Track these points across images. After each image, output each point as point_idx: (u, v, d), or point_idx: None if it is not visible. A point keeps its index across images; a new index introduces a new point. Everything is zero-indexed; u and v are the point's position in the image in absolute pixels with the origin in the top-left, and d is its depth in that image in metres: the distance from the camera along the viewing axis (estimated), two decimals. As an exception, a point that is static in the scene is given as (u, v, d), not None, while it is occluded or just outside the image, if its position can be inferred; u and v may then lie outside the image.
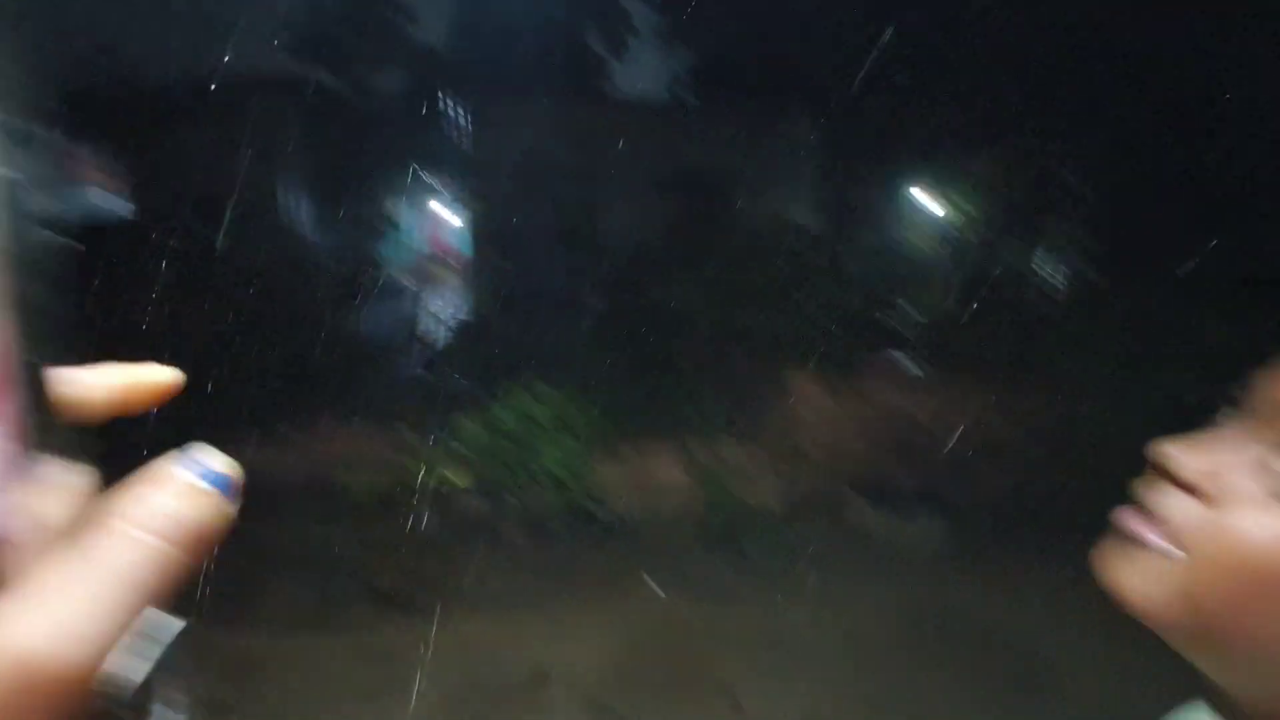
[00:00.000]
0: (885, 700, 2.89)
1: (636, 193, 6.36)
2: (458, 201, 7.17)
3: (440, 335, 6.11)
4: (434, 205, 7.43)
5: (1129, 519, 0.42)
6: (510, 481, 4.32)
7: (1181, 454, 0.40)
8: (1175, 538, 0.39)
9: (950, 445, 4.34)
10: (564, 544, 4.14)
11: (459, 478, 4.43)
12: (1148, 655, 0.58)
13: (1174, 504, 0.40)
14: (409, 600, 3.44)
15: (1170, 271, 4.24)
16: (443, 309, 6.49)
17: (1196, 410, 0.45)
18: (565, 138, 6.22)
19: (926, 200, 7.20)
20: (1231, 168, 4.37)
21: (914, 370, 4.64)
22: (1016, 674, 3.00)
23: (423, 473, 4.28)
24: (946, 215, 6.59)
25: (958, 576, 3.80)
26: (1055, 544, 4.06)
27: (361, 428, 4.81)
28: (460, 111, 6.14)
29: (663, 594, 3.65)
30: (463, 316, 6.47)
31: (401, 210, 6.72)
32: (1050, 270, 5.13)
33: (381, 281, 5.91)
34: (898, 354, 4.80)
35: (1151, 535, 0.40)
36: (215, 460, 0.18)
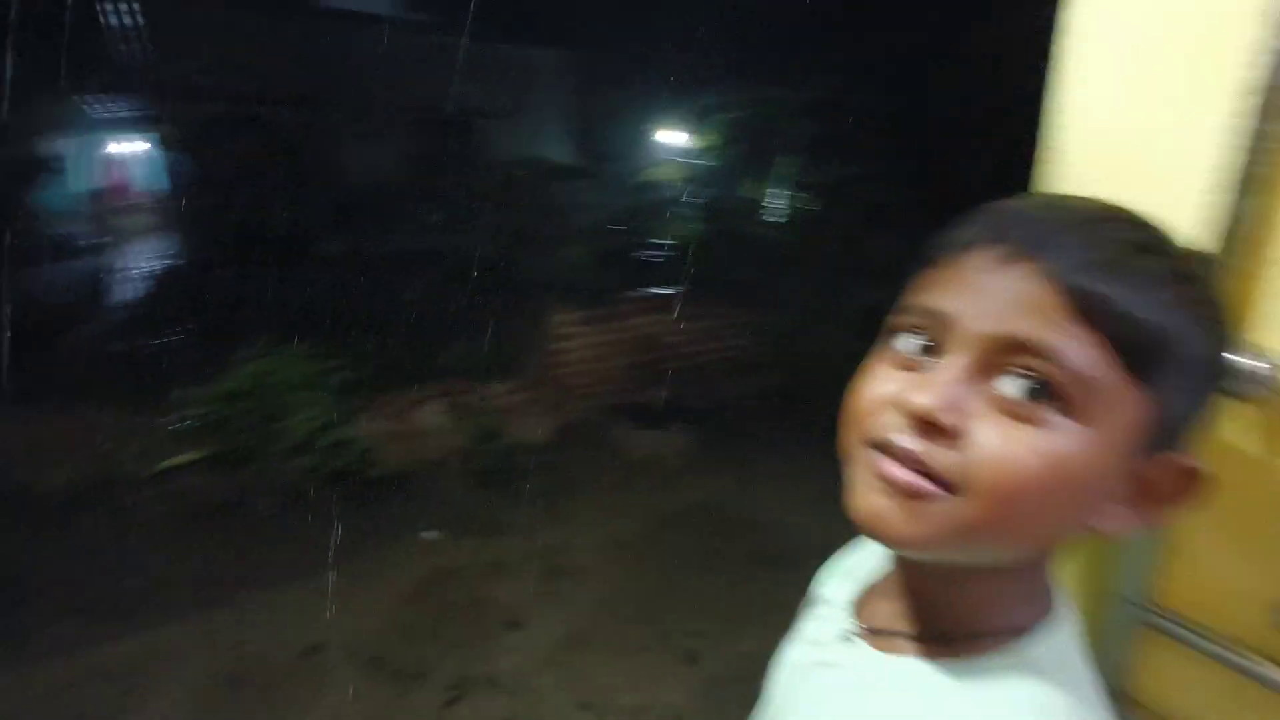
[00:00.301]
0: (651, 595, 3.24)
1: (371, 123, 5.83)
2: (143, 132, 5.95)
3: (137, 293, 5.15)
4: (112, 137, 6.09)
5: (891, 469, 0.41)
6: (252, 452, 3.91)
7: (922, 399, 0.40)
8: (938, 478, 0.40)
9: (694, 359, 4.83)
10: (326, 509, 3.89)
11: (186, 455, 3.90)
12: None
13: (928, 449, 0.40)
14: (138, 605, 3.01)
15: (873, 201, 5.04)
16: (137, 262, 5.46)
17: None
18: (280, 55, 5.43)
19: (671, 137, 7.64)
20: (931, 112, 5.24)
21: (662, 295, 5.00)
22: (759, 553, 3.54)
23: (138, 455, 3.69)
24: (689, 151, 7.07)
25: (705, 476, 4.33)
26: (784, 439, 4.82)
27: (46, 414, 3.97)
28: (137, 18, 5.02)
29: (437, 537, 3.64)
30: (166, 269, 5.51)
31: (62, 146, 5.39)
32: (776, 200, 5.78)
33: (44, 236, 4.77)
34: (647, 282, 5.13)
35: (919, 480, 0.40)
36: None
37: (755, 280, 5.11)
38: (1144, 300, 0.37)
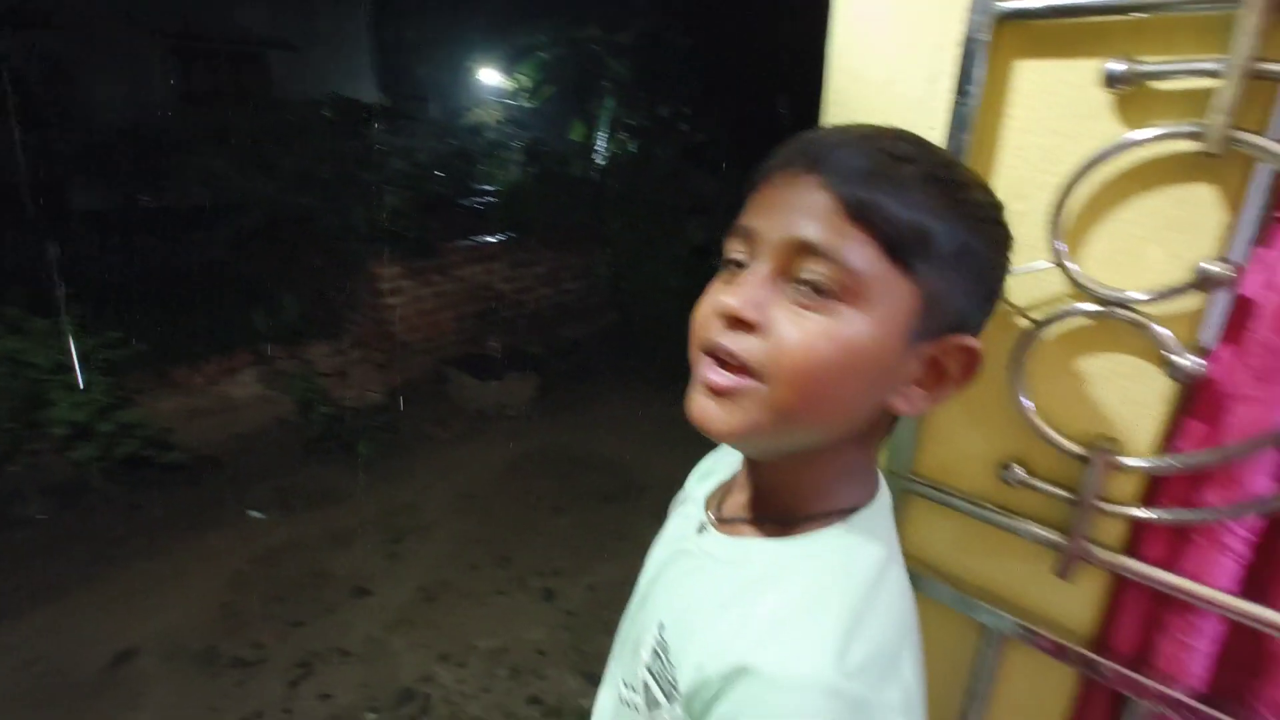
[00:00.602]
0: (502, 541, 3.26)
1: (136, 54, 4.93)
2: None
3: None
4: None
5: (708, 369, 0.47)
6: (11, 449, 3.32)
7: (729, 299, 0.46)
8: (750, 371, 0.45)
9: (528, 305, 4.79)
10: (120, 502, 3.43)
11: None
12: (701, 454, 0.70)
13: (738, 342, 0.45)
14: None
15: (692, 140, 5.19)
16: None
17: (713, 252, 0.54)
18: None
19: (487, 77, 7.25)
20: (744, 50, 5.37)
21: (489, 242, 4.85)
22: (606, 490, 3.68)
23: None
24: (507, 92, 6.78)
25: (547, 422, 4.37)
26: (623, 378, 4.98)
27: None
28: None
29: (264, 516, 3.37)
30: None
31: None
32: (598, 141, 5.76)
33: None
34: (474, 230, 4.94)
35: (731, 378, 0.46)
36: None
37: (583, 223, 5.12)
38: (903, 202, 0.43)
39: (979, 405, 0.69)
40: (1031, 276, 0.61)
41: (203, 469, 3.69)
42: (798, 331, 0.44)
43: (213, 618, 2.76)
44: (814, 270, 0.44)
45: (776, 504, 0.53)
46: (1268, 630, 0.55)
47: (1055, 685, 0.70)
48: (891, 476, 0.74)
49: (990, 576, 0.71)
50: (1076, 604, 0.66)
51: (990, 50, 0.58)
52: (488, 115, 6.26)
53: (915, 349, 0.46)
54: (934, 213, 0.44)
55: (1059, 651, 0.66)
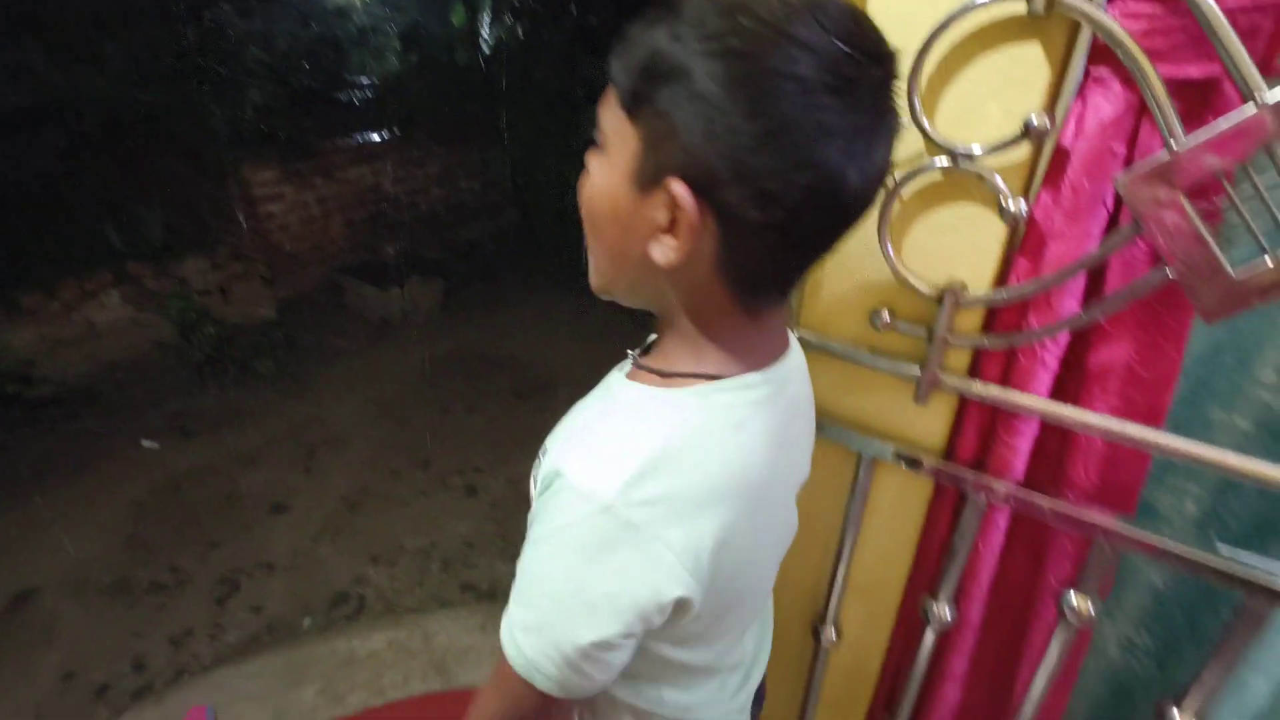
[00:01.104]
0: (420, 445, 3.28)
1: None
2: None
3: None
4: None
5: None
6: None
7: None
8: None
9: (422, 207, 4.57)
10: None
11: None
12: (614, 347, 0.70)
13: None
14: None
15: (581, 24, 4.88)
16: None
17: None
18: None
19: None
20: None
21: (373, 140, 4.52)
22: (520, 387, 3.72)
23: None
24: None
25: (455, 325, 4.31)
26: (528, 276, 4.92)
27: None
28: None
29: (158, 445, 3.21)
30: None
31: None
32: (483, 26, 5.34)
33: None
34: (355, 126, 4.57)
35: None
36: None
37: (474, 116, 4.83)
38: (628, 54, 0.46)
39: (852, 261, 0.77)
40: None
41: (78, 402, 3.42)
42: (582, 185, 0.53)
43: (118, 550, 2.68)
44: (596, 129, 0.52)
45: (658, 358, 0.57)
46: (1071, 426, 0.69)
47: (914, 495, 0.84)
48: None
49: (863, 410, 0.83)
50: (931, 425, 0.79)
51: (858, -87, 0.61)
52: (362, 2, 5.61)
53: (648, 195, 0.47)
54: (652, 58, 0.44)
55: (916, 465, 0.79)
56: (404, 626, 2.35)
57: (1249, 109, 0.50)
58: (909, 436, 0.81)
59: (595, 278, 0.56)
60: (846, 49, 0.42)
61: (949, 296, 0.69)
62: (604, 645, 0.49)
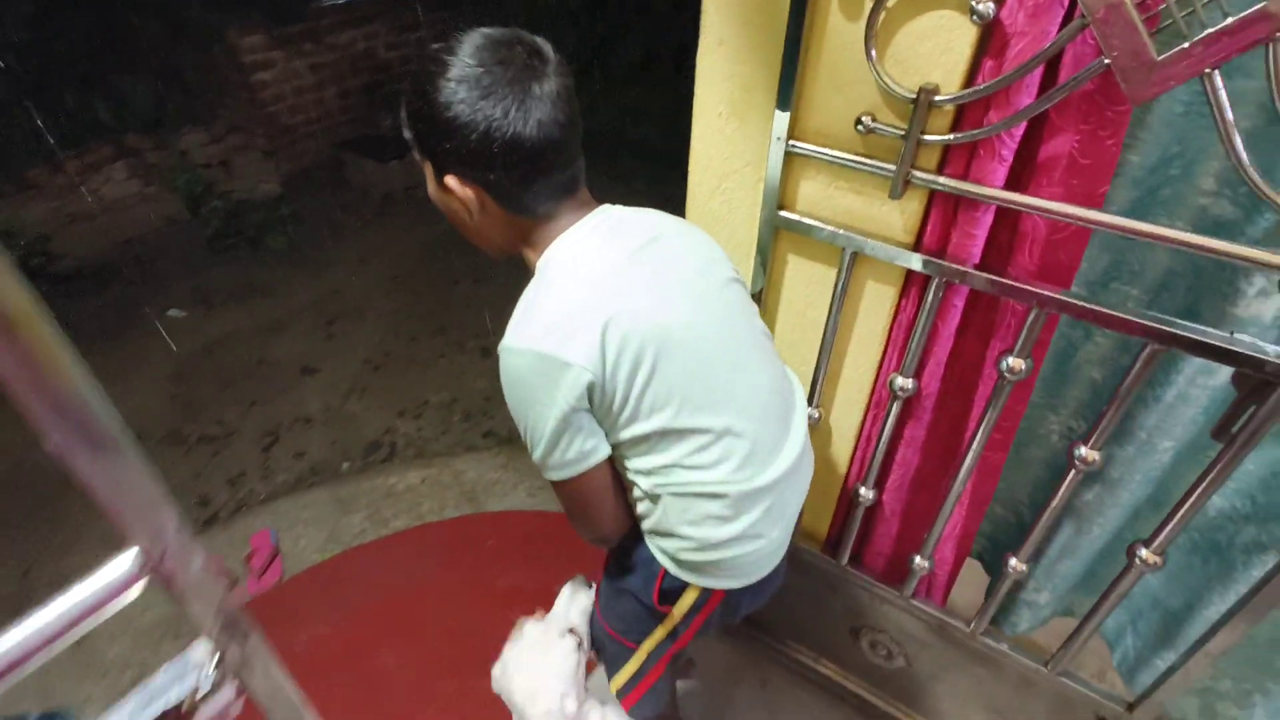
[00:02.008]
0: (435, 313, 3.44)
1: None
2: None
3: None
4: None
5: None
6: None
7: None
8: None
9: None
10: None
11: None
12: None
13: None
14: None
15: None
16: None
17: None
18: None
19: None
20: None
21: (366, 2, 4.33)
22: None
23: None
24: None
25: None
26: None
27: None
28: None
29: (186, 314, 3.37)
30: None
31: None
32: None
33: None
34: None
35: None
36: None
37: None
38: (402, 114, 0.77)
39: (842, 74, 0.87)
40: (882, -52, 0.76)
41: (100, 276, 3.54)
42: None
43: (165, 408, 2.90)
44: None
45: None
46: (1019, 208, 0.82)
47: (887, 286, 0.99)
48: (776, 141, 0.93)
49: (848, 210, 0.95)
50: (904, 219, 0.92)
51: None
52: None
53: (448, 192, 0.78)
54: (407, 114, 0.76)
55: (890, 254, 0.93)
56: (435, 466, 2.60)
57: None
58: (884, 232, 0.94)
59: (479, 248, 0.87)
60: (477, 66, 0.70)
61: (923, 97, 0.80)
62: (558, 420, 0.75)
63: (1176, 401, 1.07)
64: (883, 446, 1.10)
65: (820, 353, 1.08)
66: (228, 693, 0.43)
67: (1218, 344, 0.76)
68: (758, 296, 1.09)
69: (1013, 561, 1.11)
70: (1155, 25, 0.69)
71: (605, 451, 0.80)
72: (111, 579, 0.37)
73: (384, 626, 1.95)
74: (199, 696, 0.42)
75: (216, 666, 0.43)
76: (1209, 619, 1.00)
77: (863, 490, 1.19)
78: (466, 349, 3.24)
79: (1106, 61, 0.68)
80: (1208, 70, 0.63)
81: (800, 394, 0.96)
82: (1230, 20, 0.61)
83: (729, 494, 0.81)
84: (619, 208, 0.86)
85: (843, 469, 1.22)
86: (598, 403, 0.76)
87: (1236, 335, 0.77)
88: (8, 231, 3.25)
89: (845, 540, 1.28)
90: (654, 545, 0.89)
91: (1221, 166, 0.96)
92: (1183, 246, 0.75)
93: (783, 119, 0.91)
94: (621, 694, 1.04)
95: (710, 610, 0.92)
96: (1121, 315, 0.80)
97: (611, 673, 1.06)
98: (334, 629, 1.95)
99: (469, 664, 1.71)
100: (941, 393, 1.03)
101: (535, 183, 0.76)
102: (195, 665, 0.43)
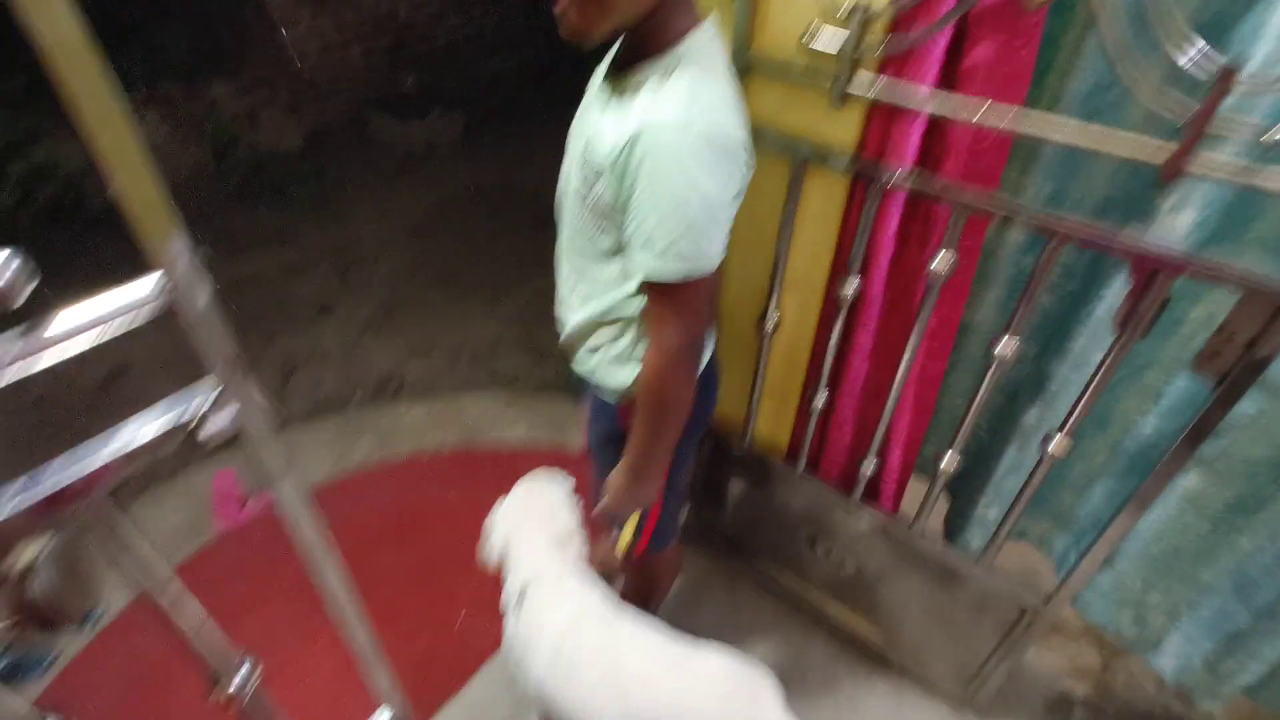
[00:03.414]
0: (448, 264, 3.56)
1: None
2: None
3: None
4: None
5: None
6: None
7: None
8: None
9: (440, 39, 4.56)
10: (59, 249, 3.50)
11: None
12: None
13: None
14: None
15: None
16: None
17: None
18: None
19: None
20: None
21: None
22: (539, 216, 3.88)
23: None
24: None
25: (479, 159, 4.45)
26: (550, 112, 4.95)
27: None
28: None
29: (212, 251, 3.52)
30: None
31: None
32: None
33: None
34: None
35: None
36: None
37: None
38: None
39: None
40: None
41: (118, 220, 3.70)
42: None
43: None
44: None
45: (638, 51, 0.81)
46: (946, 113, 0.91)
47: (834, 190, 1.09)
48: (738, 55, 1.03)
49: (799, 122, 1.05)
50: (845, 130, 1.01)
51: None
52: None
53: None
54: None
55: (834, 162, 1.02)
56: (440, 401, 2.75)
57: None
58: (829, 142, 1.04)
59: (588, 27, 0.76)
60: None
61: (858, 13, 0.89)
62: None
63: (1105, 315, 1.16)
64: (832, 350, 1.21)
65: (776, 259, 1.18)
66: (228, 413, 0.55)
67: (1104, 237, 0.86)
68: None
69: (946, 457, 1.21)
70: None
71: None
72: (134, 297, 0.49)
73: (379, 536, 2.10)
74: (204, 413, 0.54)
75: (219, 396, 0.55)
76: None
77: (816, 396, 1.29)
78: (477, 296, 3.36)
79: (1009, -30, 0.77)
80: (1086, -26, 0.72)
81: None
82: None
83: None
84: None
85: (799, 377, 1.32)
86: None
87: (1126, 230, 0.86)
88: (47, 164, 3.42)
89: (803, 448, 1.39)
90: (609, 380, 0.99)
91: (1152, 92, 1.04)
92: (1074, 143, 0.84)
93: (741, 34, 1.01)
94: (633, 543, 1.13)
95: None
96: (1028, 213, 0.90)
97: (619, 526, 1.14)
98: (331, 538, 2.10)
99: (456, 566, 1.86)
100: (886, 300, 1.13)
101: None
102: (202, 391, 0.55)
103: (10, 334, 0.44)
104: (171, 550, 2.12)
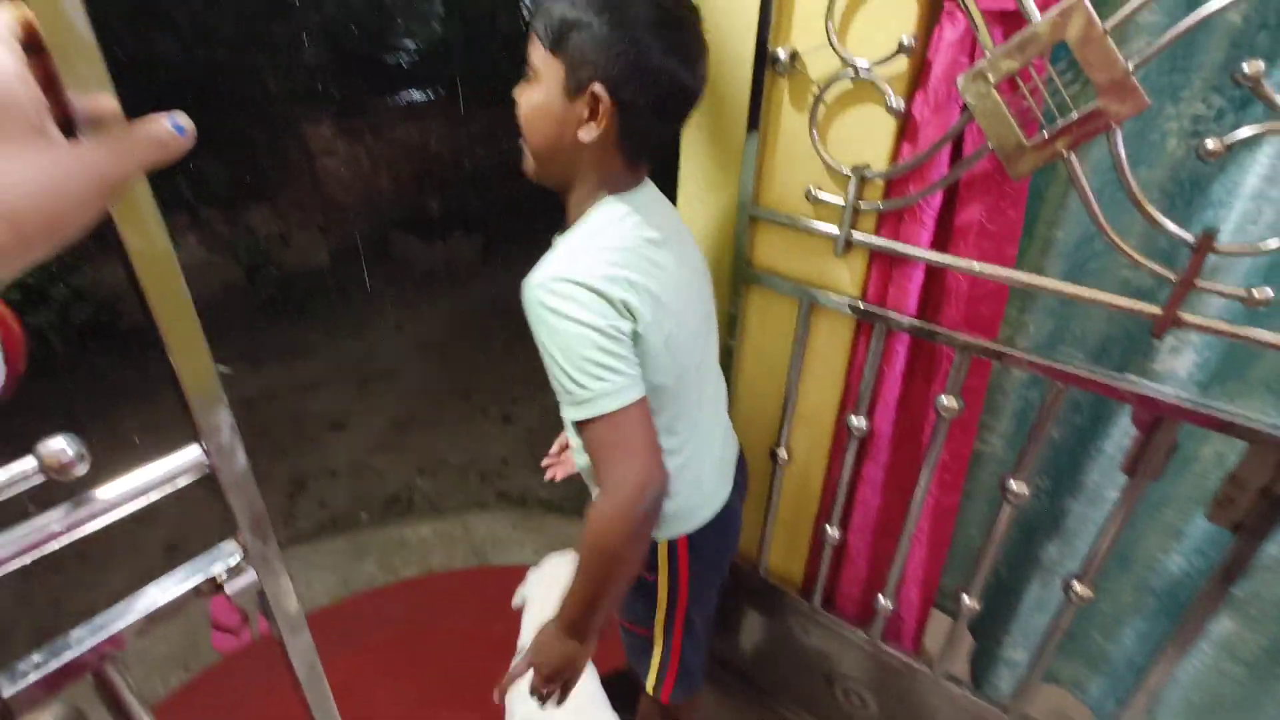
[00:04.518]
0: (462, 380, 3.64)
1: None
2: None
3: None
4: None
5: None
6: None
7: None
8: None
9: (466, 165, 4.90)
10: (88, 365, 3.61)
11: None
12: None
13: None
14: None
15: None
16: None
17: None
18: None
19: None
20: None
21: (421, 101, 4.84)
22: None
23: None
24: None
25: (496, 277, 4.65)
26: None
27: None
28: None
29: (231, 370, 3.62)
30: None
31: None
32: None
33: None
34: (404, 87, 4.89)
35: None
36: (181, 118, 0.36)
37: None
38: (545, 21, 0.77)
39: (793, 153, 1.05)
40: (818, 56, 0.95)
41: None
42: (520, 101, 0.84)
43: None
44: (527, 69, 0.82)
45: (568, 213, 0.89)
46: (941, 265, 0.96)
47: (840, 334, 1.13)
48: (742, 208, 1.11)
49: (803, 267, 1.11)
50: (849, 275, 1.07)
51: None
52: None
53: (575, 99, 0.78)
54: (564, 16, 0.76)
55: (839, 305, 1.07)
56: (447, 521, 2.71)
57: (1029, 27, 0.77)
58: (835, 286, 1.09)
59: (532, 167, 0.88)
60: (676, 5, 0.78)
61: (857, 174, 0.97)
62: (602, 343, 0.77)
63: (1115, 452, 1.17)
64: (844, 485, 1.21)
65: (786, 396, 1.21)
66: (250, 575, 0.55)
67: (1106, 381, 0.88)
68: (731, 348, 1.24)
69: (965, 598, 1.17)
70: (1025, 117, 0.85)
71: (642, 388, 0.80)
72: (178, 464, 0.51)
73: (383, 665, 2.01)
74: (227, 575, 0.55)
75: (244, 557, 0.56)
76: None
77: (829, 529, 1.28)
78: (489, 414, 3.40)
79: (990, 147, 0.84)
80: (1065, 153, 0.79)
81: (724, 389, 1.08)
82: (1074, 114, 0.77)
83: (681, 450, 0.92)
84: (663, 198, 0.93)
85: (812, 509, 1.32)
86: (633, 344, 0.80)
87: (1127, 375, 0.89)
88: (86, 288, 3.59)
89: (817, 581, 1.35)
90: None
91: (1138, 242, 1.10)
92: (1066, 295, 0.88)
93: (748, 190, 1.09)
94: (658, 688, 1.10)
95: (685, 557, 0.99)
96: (1029, 358, 0.93)
97: (643, 671, 1.11)
98: (332, 666, 2.02)
99: (461, 701, 1.77)
100: (895, 435, 1.15)
101: (666, 126, 0.83)
102: (228, 553, 0.56)
103: (60, 508, 0.46)
104: (165, 677, 2.04)
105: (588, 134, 0.79)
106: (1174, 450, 0.89)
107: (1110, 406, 1.18)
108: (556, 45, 0.77)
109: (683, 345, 0.86)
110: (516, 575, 2.41)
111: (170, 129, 0.36)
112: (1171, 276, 0.81)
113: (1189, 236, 0.77)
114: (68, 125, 0.36)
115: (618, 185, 0.84)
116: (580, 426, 0.79)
